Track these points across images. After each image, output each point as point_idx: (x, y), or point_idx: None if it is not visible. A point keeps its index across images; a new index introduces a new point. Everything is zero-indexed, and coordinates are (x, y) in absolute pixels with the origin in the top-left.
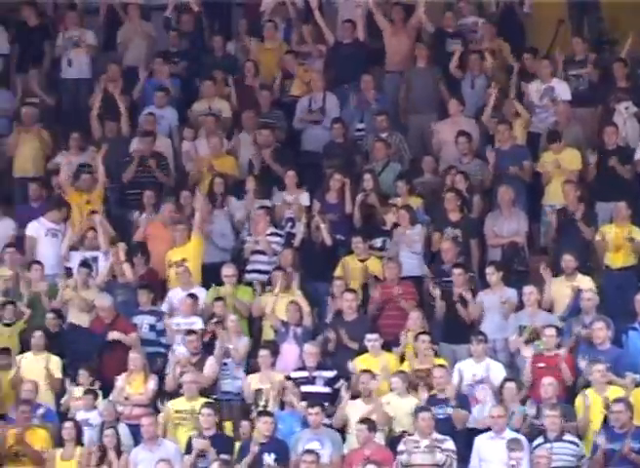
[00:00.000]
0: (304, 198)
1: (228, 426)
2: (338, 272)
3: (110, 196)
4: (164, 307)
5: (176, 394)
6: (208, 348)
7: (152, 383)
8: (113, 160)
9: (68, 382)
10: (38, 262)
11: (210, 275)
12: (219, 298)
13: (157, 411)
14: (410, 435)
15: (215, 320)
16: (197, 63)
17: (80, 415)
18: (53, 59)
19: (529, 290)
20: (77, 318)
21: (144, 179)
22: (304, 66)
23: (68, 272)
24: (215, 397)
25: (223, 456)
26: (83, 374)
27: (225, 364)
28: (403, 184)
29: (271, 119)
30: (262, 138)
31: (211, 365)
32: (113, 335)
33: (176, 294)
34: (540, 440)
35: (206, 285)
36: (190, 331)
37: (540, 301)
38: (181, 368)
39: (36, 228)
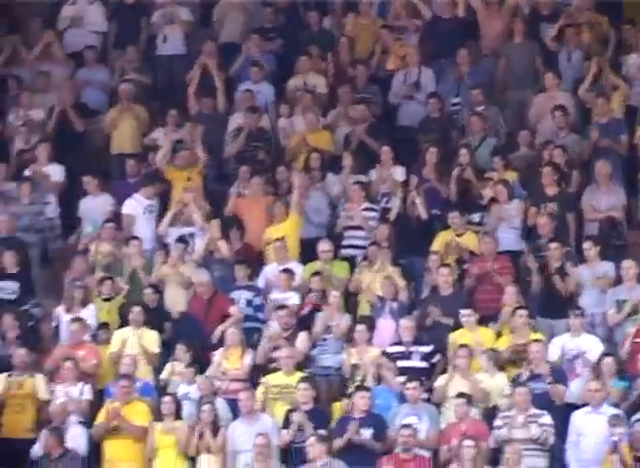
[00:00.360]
0: (400, 173)
1: (338, 406)
2: (434, 247)
3: (209, 172)
4: (260, 283)
5: (265, 368)
6: (304, 323)
7: (249, 358)
8: (210, 136)
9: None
10: (136, 238)
11: (306, 250)
12: (316, 273)
13: (254, 386)
14: (506, 410)
15: (315, 294)
16: (293, 39)
17: (181, 389)
18: (149, 36)
19: (627, 264)
20: (174, 294)
21: (247, 154)
22: (400, 41)
23: (166, 248)
24: (310, 371)
25: (320, 431)
26: (180, 349)
27: (325, 339)
28: (499, 159)
29: (367, 94)
30: (358, 114)
31: (302, 340)
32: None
33: (272, 270)
34: (639, 414)
35: (303, 260)
36: (281, 307)
37: (638, 276)
38: (272, 342)
39: (133, 206)
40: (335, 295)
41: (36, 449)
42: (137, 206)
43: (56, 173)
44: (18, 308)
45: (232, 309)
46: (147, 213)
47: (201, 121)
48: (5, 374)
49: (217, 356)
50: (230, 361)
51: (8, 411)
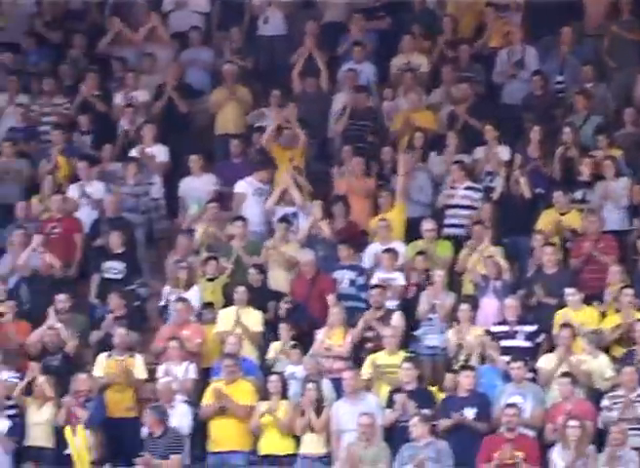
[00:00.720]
0: (504, 152)
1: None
2: (538, 226)
3: (311, 152)
4: (364, 262)
5: (361, 348)
6: (409, 304)
7: (351, 337)
8: (313, 116)
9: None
10: (241, 218)
11: (410, 229)
12: (420, 253)
13: (359, 366)
14: (612, 390)
15: (421, 274)
16: (396, 19)
17: (289, 369)
18: (252, 17)
19: None
20: (277, 274)
21: (352, 134)
22: (503, 19)
23: (272, 229)
24: (414, 351)
25: (424, 411)
26: (284, 328)
27: (431, 319)
28: (603, 137)
29: (470, 73)
30: (460, 92)
31: (397, 319)
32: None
33: (375, 249)
34: None
35: (406, 239)
36: (376, 286)
37: None
38: (365, 322)
39: (245, 187)
40: (439, 275)
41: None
42: (247, 187)
43: (160, 153)
44: (124, 288)
45: (330, 298)
46: (257, 195)
47: (305, 101)
48: (105, 354)
49: (320, 334)
50: (333, 340)
51: (108, 391)
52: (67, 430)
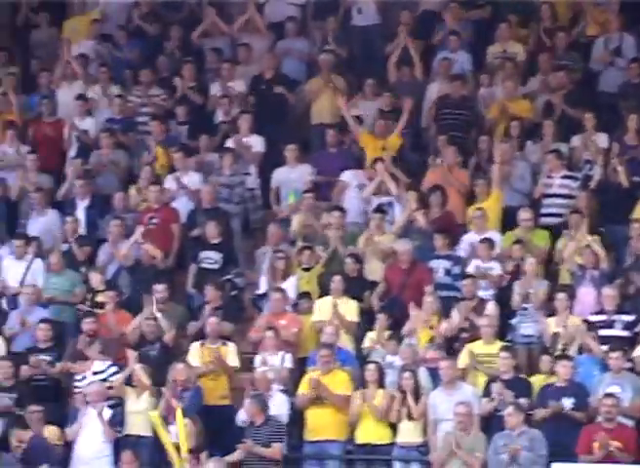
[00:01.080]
0: (602, 140)
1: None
2: (636, 214)
3: (405, 141)
4: (461, 252)
5: (456, 338)
6: (504, 292)
7: (444, 327)
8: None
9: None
10: (339, 208)
11: (507, 218)
12: (517, 242)
13: (455, 355)
14: None
15: (517, 263)
16: (492, 7)
17: (387, 359)
18: (346, 8)
19: None
20: (373, 263)
21: (446, 123)
22: (600, 7)
23: (369, 219)
24: (510, 340)
25: (521, 400)
26: (381, 318)
27: (525, 308)
28: None
29: (567, 61)
30: (557, 81)
31: (492, 308)
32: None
33: (471, 239)
34: None
35: (503, 227)
36: (468, 275)
37: None
38: (462, 313)
39: (350, 177)
40: (531, 263)
41: (241, 416)
42: (352, 178)
43: (257, 144)
44: (220, 278)
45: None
46: (359, 188)
47: (399, 90)
48: (199, 343)
49: (411, 324)
50: (426, 330)
51: (203, 379)
52: (155, 418)
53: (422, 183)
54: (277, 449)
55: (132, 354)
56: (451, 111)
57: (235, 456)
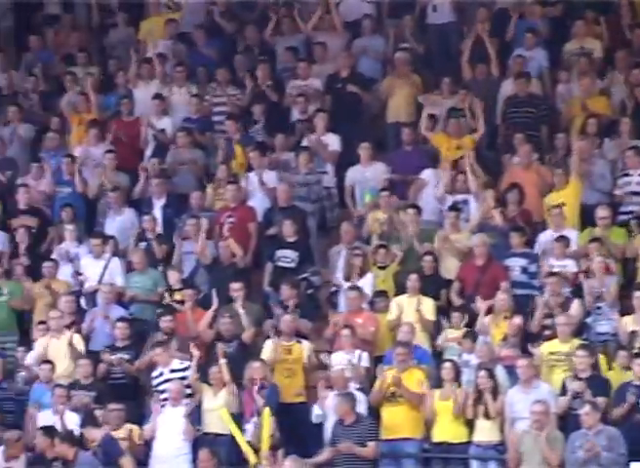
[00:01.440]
0: None
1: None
2: None
3: (481, 139)
4: (537, 249)
5: (539, 336)
6: (580, 290)
7: (515, 325)
8: (483, 102)
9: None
10: (414, 206)
11: (586, 215)
12: (594, 240)
13: (530, 354)
14: None
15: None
16: (569, 4)
17: (463, 356)
18: (421, 6)
19: None
20: (448, 261)
21: (518, 121)
22: None
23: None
24: (585, 338)
25: (599, 399)
26: (456, 316)
27: (599, 307)
28: None
29: None
30: (636, 77)
31: (576, 306)
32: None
33: (547, 236)
34: None
35: (582, 225)
36: (552, 274)
37: None
38: (543, 310)
39: (430, 175)
40: (599, 261)
41: (315, 412)
42: (432, 177)
43: (333, 142)
44: (297, 276)
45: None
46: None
47: (475, 87)
48: (273, 340)
49: (482, 321)
50: (500, 327)
51: (278, 377)
52: (225, 414)
53: (500, 182)
54: (372, 448)
55: (196, 352)
56: (517, 109)
57: (325, 456)
